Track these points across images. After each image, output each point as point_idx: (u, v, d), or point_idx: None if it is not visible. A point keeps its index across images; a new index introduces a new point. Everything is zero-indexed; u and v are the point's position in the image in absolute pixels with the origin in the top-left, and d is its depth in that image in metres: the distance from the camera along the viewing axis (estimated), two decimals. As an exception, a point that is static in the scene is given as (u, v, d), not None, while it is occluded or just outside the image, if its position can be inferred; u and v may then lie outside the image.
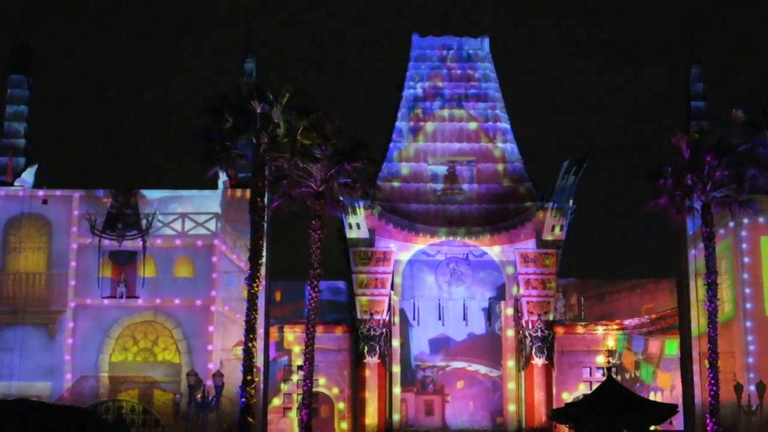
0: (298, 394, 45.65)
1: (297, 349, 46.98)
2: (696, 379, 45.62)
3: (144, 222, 43.31)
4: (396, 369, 48.24)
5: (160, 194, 44.34)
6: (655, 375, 48.28)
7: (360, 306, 47.38)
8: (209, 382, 38.88)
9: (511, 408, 48.15)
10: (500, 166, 49.46)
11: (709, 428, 39.95)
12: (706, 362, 41.16)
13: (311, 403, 42.08)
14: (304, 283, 43.87)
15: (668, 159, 42.28)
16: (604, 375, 42.87)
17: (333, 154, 41.58)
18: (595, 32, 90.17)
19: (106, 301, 43.30)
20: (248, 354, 37.58)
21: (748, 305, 43.67)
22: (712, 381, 40.17)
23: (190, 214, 43.97)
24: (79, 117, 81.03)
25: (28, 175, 45.41)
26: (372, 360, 47.09)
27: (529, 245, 47.92)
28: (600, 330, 48.61)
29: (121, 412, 42.34)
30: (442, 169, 49.36)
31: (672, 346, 48.08)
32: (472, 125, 49.94)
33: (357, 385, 47.50)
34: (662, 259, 51.10)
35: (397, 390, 48.26)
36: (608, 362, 41.70)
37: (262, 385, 43.15)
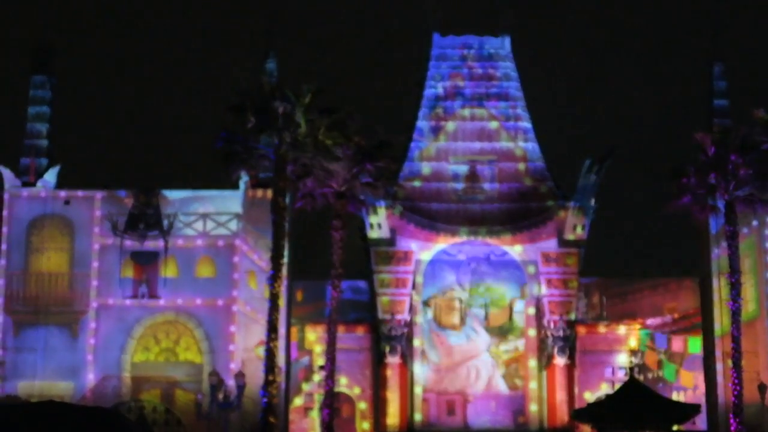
0: (319, 394, 45.66)
1: (318, 348, 46.99)
2: (719, 378, 45.48)
3: (165, 222, 43.45)
4: (417, 369, 48.22)
5: (181, 194, 44.48)
6: (677, 374, 48.09)
7: (381, 306, 47.38)
8: (231, 382, 39.06)
9: (533, 408, 48.05)
10: (521, 165, 49.36)
11: (732, 428, 39.81)
12: (730, 362, 41.04)
13: (333, 403, 42.11)
14: (325, 283, 43.95)
15: (691, 157, 42.21)
16: (626, 375, 42.83)
17: (355, 153, 41.58)
18: (616, 30, 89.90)
19: (128, 302, 43.47)
20: (270, 354, 37.66)
21: (772, 304, 43.52)
22: (736, 380, 40.03)
23: (211, 214, 44.11)
24: (101, 117, 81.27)
25: (51, 176, 45.62)
26: (393, 360, 47.08)
27: (550, 244, 47.83)
28: (622, 329, 48.46)
29: (143, 412, 42.45)
30: (463, 169, 49.29)
31: (695, 346, 47.88)
32: (493, 124, 49.86)
33: (378, 385, 47.50)
34: (685, 258, 50.98)
35: (418, 390, 48.23)
36: (631, 362, 41.72)
37: (283, 385, 43.28)
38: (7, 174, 45.08)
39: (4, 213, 44.53)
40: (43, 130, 46.57)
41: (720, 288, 45.26)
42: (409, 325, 47.77)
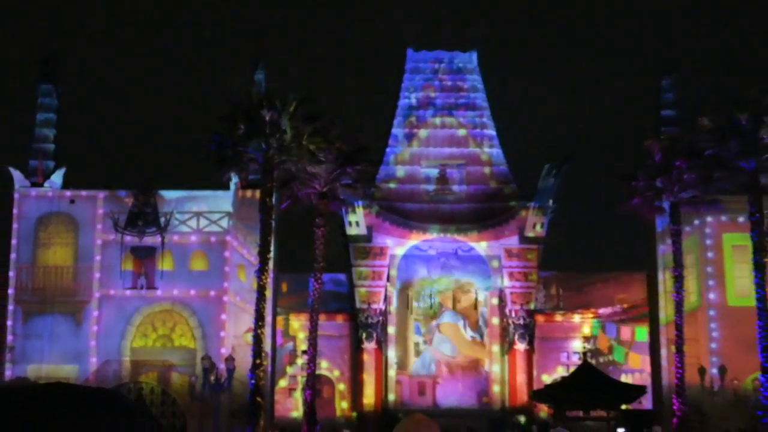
0: (302, 377, 45.79)
1: (301, 335, 47.11)
2: (664, 362, 45.92)
3: (162, 220, 43.44)
4: (391, 353, 48.39)
5: (177, 194, 44.49)
6: (627, 356, 48.47)
7: (359, 296, 47.54)
8: (222, 366, 39.08)
9: (496, 389, 48.31)
10: (487, 169, 49.57)
11: (675, 407, 40.13)
12: (673, 348, 41.35)
13: (315, 385, 42.24)
14: (308, 276, 44.06)
15: (641, 163, 42.50)
16: (580, 359, 43.12)
17: (336, 157, 41.66)
18: (574, 47, 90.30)
19: (127, 292, 43.46)
20: (257, 340, 37.72)
21: (712, 296, 43.91)
22: (679, 365, 40.33)
23: (204, 212, 44.13)
24: (104, 123, 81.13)
25: (57, 177, 45.60)
26: (370, 345, 47.24)
27: (513, 241, 48.06)
28: (577, 318, 48.77)
29: (141, 393, 42.46)
30: (434, 172, 49.46)
31: (642, 333, 48.27)
32: (462, 132, 50.06)
33: (356, 368, 47.65)
34: (634, 253, 51.36)
35: (392, 372, 48.41)
36: (584, 347, 42.01)
37: (270, 368, 43.37)
38: (17, 175, 45.02)
39: (14, 211, 44.46)
40: (50, 135, 46.51)
41: (665, 281, 45.63)
42: (384, 313, 47.94)
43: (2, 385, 37.92)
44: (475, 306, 49.32)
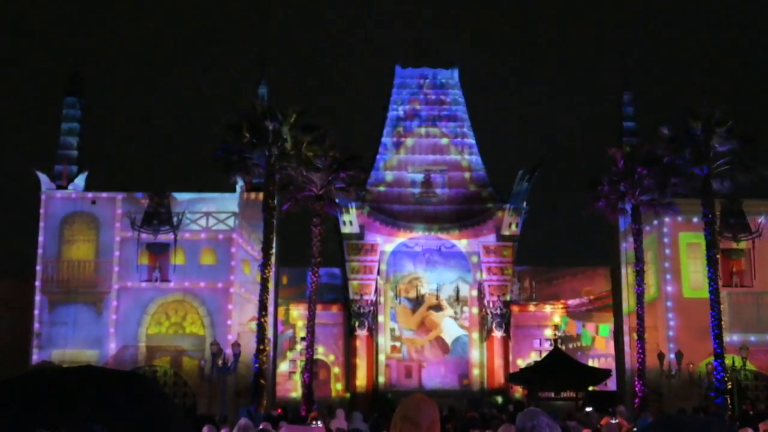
0: (301, 361, 45.62)
1: (300, 323, 46.95)
2: (627, 348, 45.77)
3: (175, 219, 43.17)
4: (381, 340, 48.19)
5: (188, 196, 44.21)
6: (593, 340, 48.40)
7: (352, 288, 47.38)
8: (228, 351, 38.80)
9: (476, 372, 48.19)
10: (467, 174, 49.48)
11: (637, 389, 40.05)
12: (635, 335, 41.26)
13: (312, 368, 42.04)
14: (306, 270, 43.91)
15: (605, 169, 42.46)
16: (551, 345, 43.00)
17: (331, 164, 41.52)
18: (546, 63, 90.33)
19: (143, 284, 43.16)
20: (261, 327, 37.55)
21: (669, 288, 43.79)
22: (640, 350, 40.29)
23: (212, 212, 43.86)
24: (123, 131, 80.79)
25: (80, 180, 45.28)
26: (362, 332, 47.09)
27: (490, 239, 47.97)
28: (548, 308, 48.67)
29: (155, 375, 42.19)
30: (419, 177, 49.36)
31: (605, 328, 48.20)
32: (444, 141, 49.96)
33: (349, 353, 47.50)
34: (599, 250, 51.25)
35: (382, 357, 48.23)
36: (555, 335, 41.78)
37: (271, 353, 43.07)
38: (44, 179, 44.68)
39: (41, 211, 44.10)
40: (73, 143, 46.18)
41: (627, 275, 45.50)
42: (375, 304, 47.77)
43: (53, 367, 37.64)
44: (456, 298, 49.12)
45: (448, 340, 48.79)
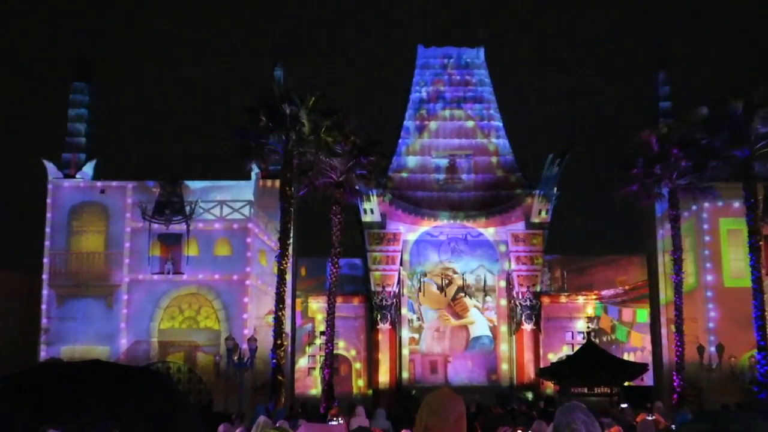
0: (320, 356, 45.71)
1: (320, 317, 47.03)
2: (664, 341, 45.60)
3: (188, 208, 43.31)
4: (404, 333, 48.22)
5: (201, 184, 44.35)
6: (629, 335, 48.22)
7: (374, 280, 47.40)
8: (245, 346, 38.94)
9: (504, 367, 48.14)
10: (494, 159, 49.35)
11: (675, 384, 39.91)
12: (673, 327, 41.11)
13: (332, 363, 42.13)
14: (325, 260, 43.97)
15: (640, 152, 42.21)
16: (584, 338, 42.92)
17: (351, 149, 41.52)
18: (578, 41, 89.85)
19: (155, 277, 43.35)
20: (278, 321, 37.65)
21: (709, 277, 43.57)
22: (678, 343, 40.12)
23: (227, 201, 43.97)
24: (133, 118, 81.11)
25: (89, 169, 45.51)
26: (384, 326, 47.12)
27: (519, 227, 47.84)
28: (580, 299, 48.53)
29: (169, 371, 42.38)
30: (443, 162, 49.26)
31: (642, 314, 48.00)
32: (470, 124, 49.83)
33: (371, 348, 47.54)
34: (634, 237, 50.99)
35: (405, 351, 48.26)
36: (588, 327, 41.70)
37: (290, 348, 43.21)
38: (51, 167, 44.93)
39: (49, 201, 44.36)
40: (82, 130, 46.40)
41: (664, 263, 45.29)
42: (398, 296, 47.78)
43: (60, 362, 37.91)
44: (484, 288, 49.05)
45: (473, 333, 48.75)
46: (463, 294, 48.85)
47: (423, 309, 48.93)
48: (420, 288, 48.85)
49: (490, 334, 48.70)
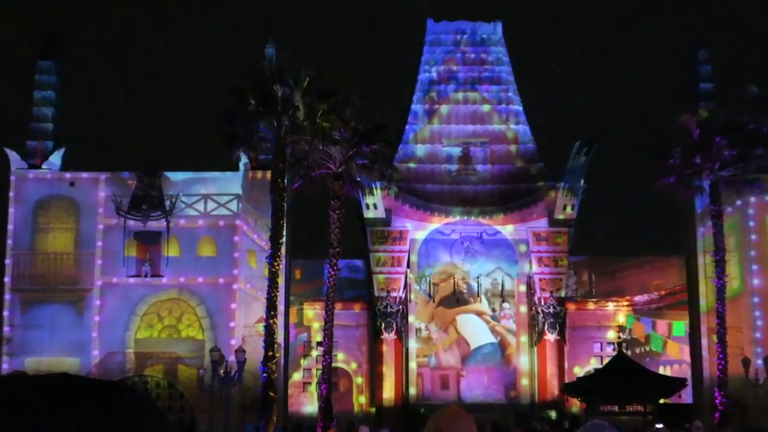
0: (317, 369, 45.73)
1: (316, 325, 47.04)
2: (704, 353, 45.54)
3: (168, 203, 43.31)
4: (412, 344, 48.24)
5: (183, 176, 44.36)
6: (665, 346, 48.16)
7: (377, 284, 47.42)
8: (232, 358, 38.98)
9: (524, 382, 48.16)
10: (513, 147, 49.35)
11: (717, 401, 39.83)
12: (715, 337, 41.02)
13: (330, 378, 42.13)
14: (323, 262, 43.95)
15: (677, 139, 42.16)
16: (614, 350, 42.87)
17: (351, 136, 41.49)
18: (605, 16, 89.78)
19: (131, 280, 43.38)
20: (269, 330, 37.62)
21: (756, 281, 43.55)
22: (721, 355, 40.04)
23: (212, 195, 43.99)
24: (106, 101, 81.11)
25: (56, 158, 45.51)
26: (389, 336, 47.15)
27: (541, 224, 47.84)
28: (610, 306, 48.51)
29: (146, 386, 42.43)
30: (456, 151, 49.28)
31: (680, 323, 47.95)
32: (486, 108, 49.82)
33: (374, 360, 47.58)
34: (671, 236, 50.98)
35: (413, 364, 48.28)
36: (619, 337, 41.67)
37: (282, 361, 43.24)
38: (14, 156, 44.95)
39: (11, 194, 44.39)
40: (48, 114, 46.39)
41: (705, 265, 45.25)
42: (404, 302, 47.79)
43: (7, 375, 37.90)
44: (501, 293, 49.06)
45: (471, 343, 48.64)
46: (441, 307, 48.76)
47: (425, 326, 48.92)
48: (429, 291, 48.86)
49: (493, 339, 48.59)
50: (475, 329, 48.85)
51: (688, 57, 49.48)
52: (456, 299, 48.92)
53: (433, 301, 48.94)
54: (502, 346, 48.77)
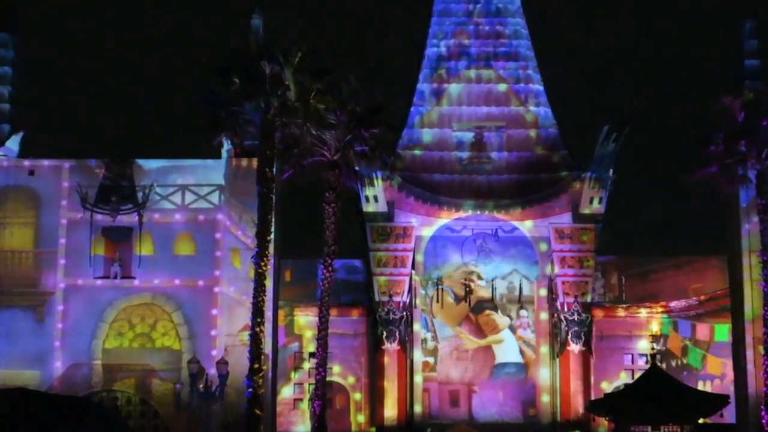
0: (310, 384, 45.76)
1: (309, 333, 47.08)
2: (749, 367, 45.36)
3: (140, 195, 43.29)
4: (417, 356, 48.23)
5: (158, 164, 44.32)
6: (704, 360, 48.13)
7: (378, 287, 47.41)
8: (213, 371, 39.03)
9: (545, 399, 48.17)
10: (532, 132, 49.32)
11: (764, 421, 39.87)
12: (761, 348, 41.02)
13: (325, 394, 42.09)
14: (316, 262, 44.00)
15: (719, 123, 42.11)
16: (647, 362, 42.85)
17: (349, 119, 41.49)
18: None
19: (99, 282, 43.36)
20: (255, 339, 37.63)
21: (808, 285, 43.42)
22: (767, 369, 40.07)
23: (191, 185, 43.96)
24: (70, 80, 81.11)
25: (13, 144, 45.48)
26: (391, 346, 47.17)
27: (564, 219, 47.82)
28: (643, 313, 48.49)
29: (116, 403, 42.41)
30: (468, 136, 49.27)
31: (723, 331, 47.88)
32: (502, 87, 49.79)
33: (375, 374, 47.59)
34: (712, 234, 50.92)
35: (418, 379, 48.28)
36: (652, 348, 41.55)
37: (270, 374, 43.19)
38: (-35, 141, 44.99)
39: (-38, 185, 44.39)
40: (5, 93, 46.38)
41: (750, 267, 45.11)
42: (409, 308, 47.77)
43: None
44: (519, 299, 49.08)
45: (498, 358, 48.81)
46: (491, 310, 48.90)
47: (437, 323, 48.98)
48: (436, 296, 48.88)
49: (520, 360, 48.75)
50: (509, 345, 48.93)
51: (733, 30, 49.39)
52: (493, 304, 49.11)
53: (468, 303, 48.89)
54: (526, 363, 48.84)
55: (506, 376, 48.66)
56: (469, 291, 48.96)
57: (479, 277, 49.08)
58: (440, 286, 48.91)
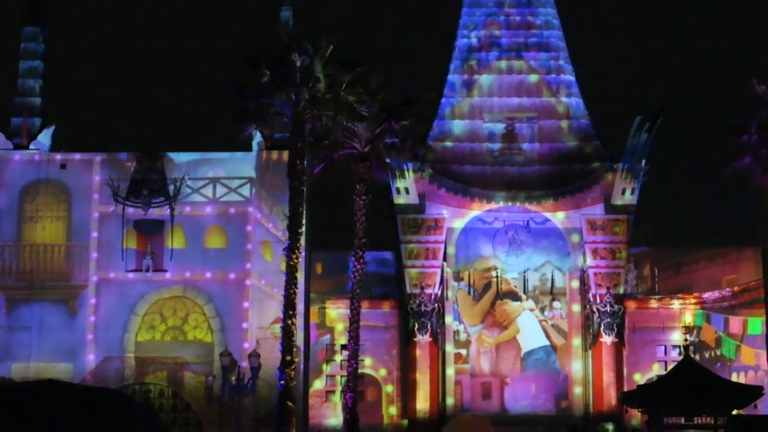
0: (341, 377, 45.79)
1: (340, 326, 47.10)
2: (784, 358, 45.30)
3: (171, 188, 43.50)
4: (449, 348, 48.24)
5: (189, 157, 44.50)
6: (738, 351, 47.89)
7: (409, 279, 47.41)
8: (244, 364, 39.11)
9: (577, 391, 48.06)
10: (564, 123, 49.19)
11: (798, 412, 39.73)
12: (796, 340, 40.87)
13: (356, 386, 42.24)
14: (347, 255, 44.03)
15: (754, 111, 41.87)
16: (680, 354, 42.72)
17: (379, 111, 41.49)
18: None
19: (131, 275, 43.60)
20: (287, 332, 37.72)
21: None
22: (803, 361, 39.97)
23: (221, 178, 44.12)
24: (101, 73, 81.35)
25: (45, 138, 45.71)
26: (423, 338, 47.14)
27: (596, 211, 47.70)
28: (676, 304, 48.30)
29: (148, 396, 42.67)
30: (499, 127, 49.17)
31: (756, 323, 47.66)
32: (533, 78, 49.68)
33: (406, 366, 47.58)
34: (746, 225, 50.66)
35: (450, 371, 48.26)
36: (686, 340, 41.47)
37: (302, 367, 43.39)
38: (-3, 135, 45.26)
39: (-6, 179, 44.68)
40: (36, 87, 46.60)
41: (786, 258, 44.94)
42: (440, 300, 47.77)
43: None
44: (551, 290, 48.99)
45: (524, 347, 48.67)
46: (508, 300, 48.77)
47: (463, 327, 48.99)
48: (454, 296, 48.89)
49: (546, 343, 48.59)
50: (530, 330, 48.81)
51: (766, 16, 49.15)
52: (513, 294, 48.95)
53: (498, 295, 48.85)
54: (552, 346, 48.72)
55: (537, 365, 48.51)
56: (485, 286, 48.86)
57: (504, 272, 48.90)
58: (459, 285, 48.83)
